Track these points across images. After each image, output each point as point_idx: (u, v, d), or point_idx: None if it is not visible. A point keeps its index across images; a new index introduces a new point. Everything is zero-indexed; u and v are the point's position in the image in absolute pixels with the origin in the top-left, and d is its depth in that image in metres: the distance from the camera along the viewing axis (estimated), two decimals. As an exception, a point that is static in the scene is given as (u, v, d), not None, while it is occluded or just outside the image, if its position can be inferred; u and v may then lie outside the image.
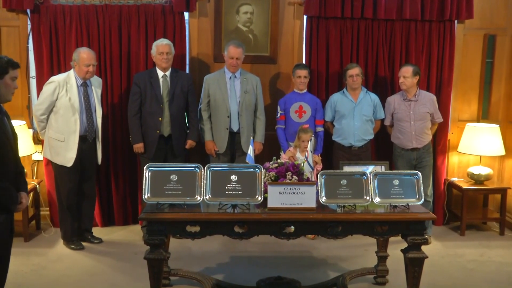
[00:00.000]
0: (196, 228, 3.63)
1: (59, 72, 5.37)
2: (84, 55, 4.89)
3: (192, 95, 5.39)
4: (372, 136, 5.54)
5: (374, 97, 5.53)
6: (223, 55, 5.40)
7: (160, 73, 5.24)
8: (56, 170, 5.10)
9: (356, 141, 5.43)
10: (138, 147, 5.26)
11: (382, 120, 5.60)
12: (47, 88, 4.94)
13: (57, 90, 4.89)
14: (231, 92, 5.32)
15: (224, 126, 5.32)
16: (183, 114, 5.38)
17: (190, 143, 5.41)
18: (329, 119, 5.57)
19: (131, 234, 5.59)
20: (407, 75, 5.30)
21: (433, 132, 5.59)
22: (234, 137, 5.38)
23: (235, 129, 5.35)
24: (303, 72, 5.45)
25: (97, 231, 5.49)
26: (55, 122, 4.96)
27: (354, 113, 5.43)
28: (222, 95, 5.30)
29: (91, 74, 4.97)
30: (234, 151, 5.43)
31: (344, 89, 5.53)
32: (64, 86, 4.90)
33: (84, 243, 5.21)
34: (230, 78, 5.35)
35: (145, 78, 5.23)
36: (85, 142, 5.04)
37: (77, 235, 5.23)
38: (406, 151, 5.43)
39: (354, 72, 5.38)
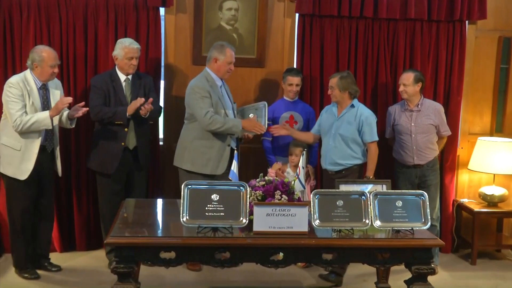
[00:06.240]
0: (171, 255, 3.62)
1: (14, 73, 5.32)
2: (46, 54, 4.85)
3: (153, 95, 5.27)
4: (355, 161, 5.15)
5: (363, 114, 5.11)
6: (215, 58, 5.06)
7: (122, 77, 5.20)
8: (8, 184, 5.02)
9: (328, 164, 5.20)
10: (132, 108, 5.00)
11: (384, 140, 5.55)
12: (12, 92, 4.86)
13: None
14: (227, 103, 5.15)
15: (226, 143, 5.09)
16: (148, 122, 5.37)
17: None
18: (314, 131, 5.41)
19: (95, 261, 5.55)
20: (407, 82, 5.30)
21: (441, 147, 5.62)
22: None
23: (233, 145, 5.16)
24: (296, 80, 5.43)
25: (55, 257, 5.42)
26: (11, 128, 4.90)
27: (332, 130, 5.20)
28: (224, 109, 5.05)
29: (55, 75, 4.96)
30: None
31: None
32: (25, 89, 4.86)
33: (39, 271, 5.14)
34: (221, 87, 5.17)
35: (107, 82, 5.18)
36: (43, 152, 4.99)
37: (31, 262, 5.16)
38: (408, 168, 5.44)
39: (331, 83, 5.17)
